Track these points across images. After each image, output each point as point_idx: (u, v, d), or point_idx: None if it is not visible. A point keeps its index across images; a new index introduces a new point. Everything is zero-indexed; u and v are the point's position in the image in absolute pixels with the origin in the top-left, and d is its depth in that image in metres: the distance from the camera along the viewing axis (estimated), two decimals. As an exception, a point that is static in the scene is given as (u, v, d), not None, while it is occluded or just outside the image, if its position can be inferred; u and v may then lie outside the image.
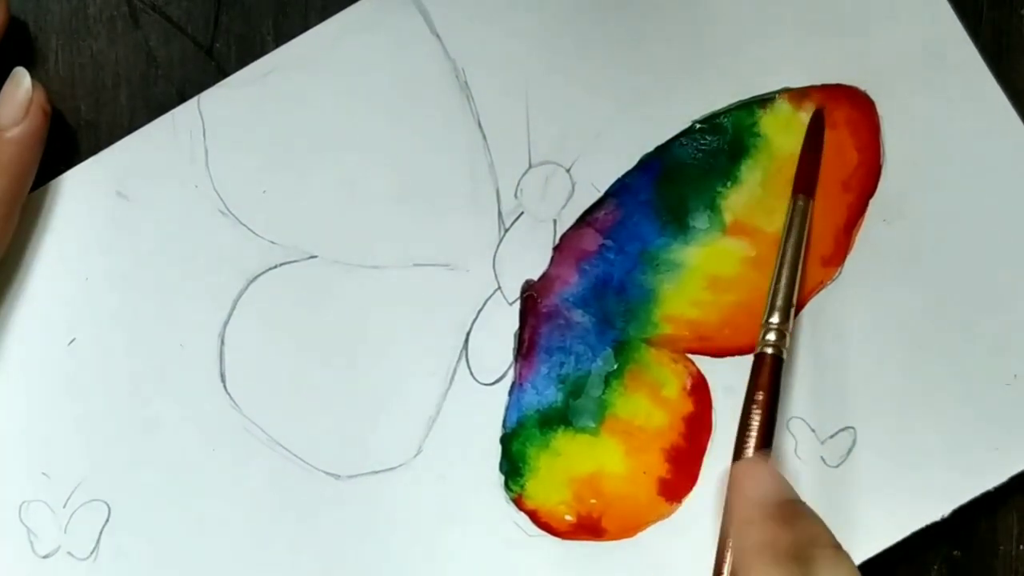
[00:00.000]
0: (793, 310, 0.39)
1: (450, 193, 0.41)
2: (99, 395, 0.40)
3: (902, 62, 0.40)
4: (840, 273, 0.40)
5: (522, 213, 0.41)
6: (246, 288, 0.41)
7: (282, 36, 0.41)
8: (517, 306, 0.41)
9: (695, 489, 0.41)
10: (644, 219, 0.41)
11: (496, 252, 0.41)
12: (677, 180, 0.41)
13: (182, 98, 0.41)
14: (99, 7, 0.41)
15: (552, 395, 0.41)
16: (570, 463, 0.41)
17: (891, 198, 0.40)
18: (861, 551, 0.39)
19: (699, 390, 0.41)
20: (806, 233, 0.40)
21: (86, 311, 0.40)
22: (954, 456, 0.40)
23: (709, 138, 0.41)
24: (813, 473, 0.40)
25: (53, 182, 0.40)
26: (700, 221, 0.41)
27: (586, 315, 0.41)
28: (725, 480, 0.37)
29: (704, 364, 0.41)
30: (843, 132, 0.41)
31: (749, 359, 0.40)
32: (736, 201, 0.41)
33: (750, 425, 0.38)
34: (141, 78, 0.41)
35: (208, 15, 0.41)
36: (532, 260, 0.41)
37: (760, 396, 0.38)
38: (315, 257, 0.41)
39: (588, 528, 0.41)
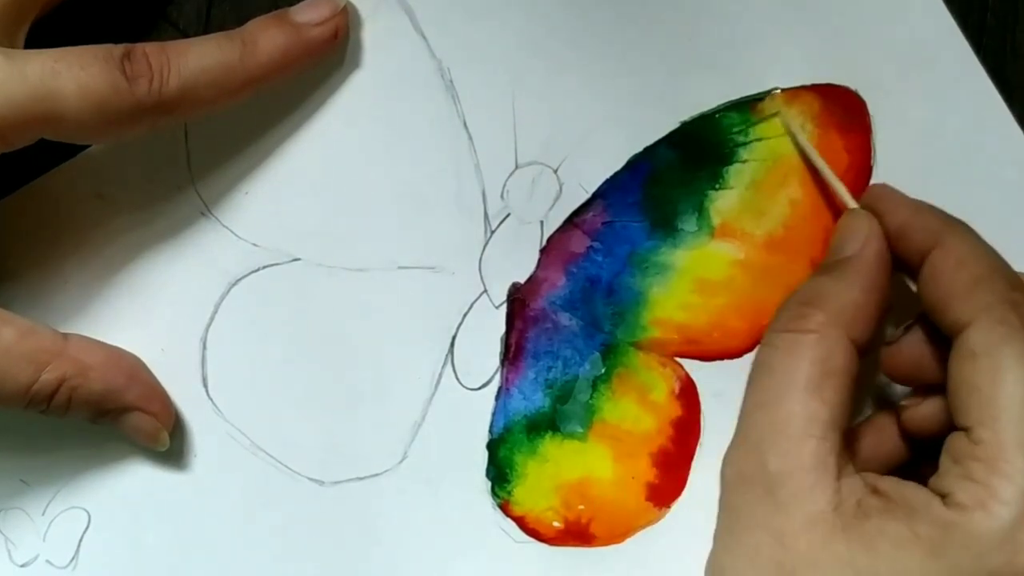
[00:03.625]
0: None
1: (435, 194, 0.40)
2: (78, 400, 0.40)
3: (894, 62, 0.40)
4: (830, 276, 0.40)
5: (508, 215, 0.40)
6: (228, 291, 0.40)
7: (275, 30, 0.40)
8: (504, 309, 0.40)
9: (683, 494, 0.40)
10: (632, 221, 0.40)
11: (482, 254, 0.40)
12: (666, 182, 0.40)
13: (173, 92, 0.40)
14: (89, -1, 0.40)
15: (539, 400, 0.40)
16: (558, 469, 0.40)
17: (882, 200, 0.40)
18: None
19: (687, 394, 0.40)
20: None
21: (65, 315, 0.40)
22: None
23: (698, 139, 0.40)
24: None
25: (32, 184, 0.40)
26: (688, 224, 0.40)
27: (574, 318, 0.40)
28: None
29: (693, 368, 0.40)
30: (834, 133, 0.40)
31: (738, 363, 0.39)
32: (725, 204, 0.40)
33: None
34: (131, 71, 0.41)
35: (200, 9, 0.41)
36: (519, 262, 0.40)
37: None
38: (298, 260, 0.40)
39: (576, 534, 0.40)
